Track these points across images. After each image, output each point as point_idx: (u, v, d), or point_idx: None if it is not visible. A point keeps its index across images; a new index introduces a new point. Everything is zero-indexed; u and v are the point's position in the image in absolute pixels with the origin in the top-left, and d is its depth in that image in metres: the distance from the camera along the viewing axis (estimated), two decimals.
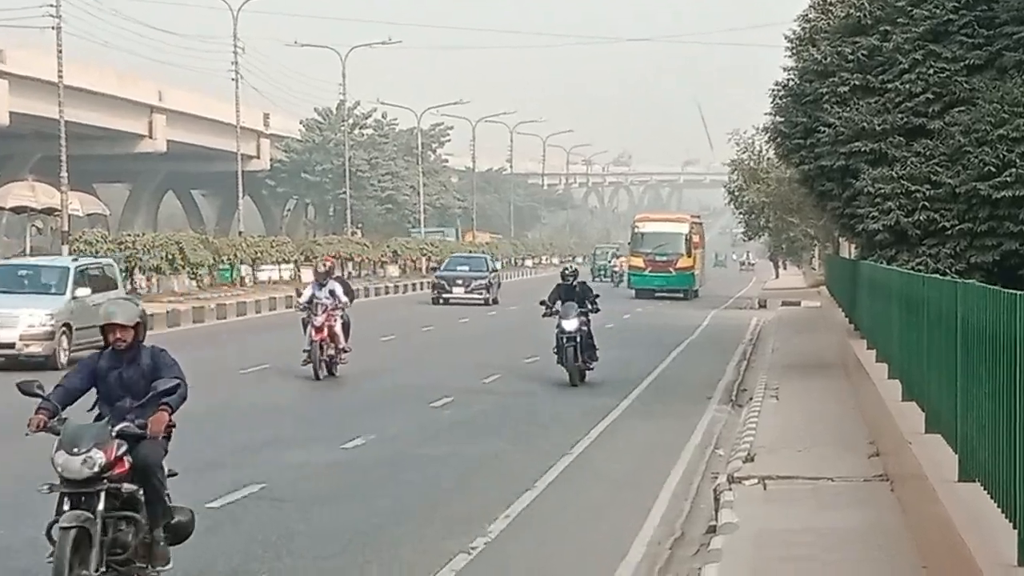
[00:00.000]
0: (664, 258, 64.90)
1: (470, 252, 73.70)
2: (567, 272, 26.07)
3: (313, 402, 22.88)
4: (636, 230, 67.87)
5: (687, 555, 12.13)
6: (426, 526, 12.96)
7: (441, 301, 53.95)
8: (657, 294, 63.37)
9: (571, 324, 24.71)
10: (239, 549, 11.79)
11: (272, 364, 27.30)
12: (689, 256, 65.62)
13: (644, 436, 19.59)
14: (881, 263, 23.35)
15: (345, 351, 25.63)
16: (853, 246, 34.59)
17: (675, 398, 24.07)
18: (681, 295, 64.02)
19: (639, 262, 66.01)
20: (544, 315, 25.67)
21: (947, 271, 23.07)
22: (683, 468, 16.87)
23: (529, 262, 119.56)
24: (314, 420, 20.50)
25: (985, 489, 9.45)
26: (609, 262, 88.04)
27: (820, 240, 63.74)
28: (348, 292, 26.51)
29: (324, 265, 26.82)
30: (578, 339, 24.77)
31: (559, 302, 25.40)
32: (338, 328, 25.33)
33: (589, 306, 25.40)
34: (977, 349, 9.85)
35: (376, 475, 15.63)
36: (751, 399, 22.40)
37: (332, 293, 25.47)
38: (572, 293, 25.44)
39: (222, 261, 57.81)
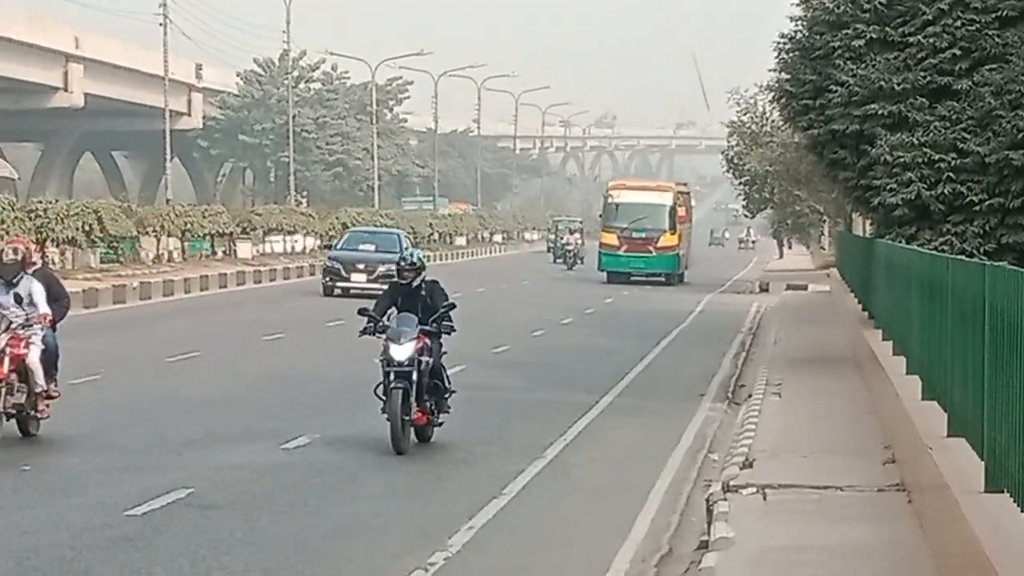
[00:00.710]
0: (643, 235, 61.16)
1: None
2: (405, 264, 17.99)
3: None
4: (609, 200, 63.92)
5: (676, 574, 12.16)
6: (379, 538, 12.96)
7: (336, 291, 45.35)
8: (633, 278, 60.59)
9: (402, 351, 17.21)
10: (163, 563, 11.75)
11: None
12: (673, 232, 61.78)
13: (627, 438, 19.62)
14: (900, 242, 23.43)
15: (51, 396, 17.51)
16: (868, 223, 34.70)
17: (663, 395, 24.11)
18: (662, 279, 61.02)
19: (612, 239, 62.13)
20: (361, 333, 17.95)
21: (975, 252, 23.17)
22: (672, 475, 16.89)
23: (499, 237, 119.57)
24: (248, 416, 20.44)
25: (1015, 501, 9.49)
26: (562, 239, 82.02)
27: (830, 216, 63.92)
28: (57, 295, 17.84)
29: (12, 252, 17.36)
30: (413, 376, 17.24)
31: (393, 311, 17.94)
32: (34, 357, 17.15)
33: (439, 324, 17.77)
34: (1008, 342, 9.88)
35: (321, 480, 15.60)
36: (750, 397, 22.46)
37: (20, 299, 17.20)
38: (413, 299, 17.82)
39: (196, 232, 57.77)
